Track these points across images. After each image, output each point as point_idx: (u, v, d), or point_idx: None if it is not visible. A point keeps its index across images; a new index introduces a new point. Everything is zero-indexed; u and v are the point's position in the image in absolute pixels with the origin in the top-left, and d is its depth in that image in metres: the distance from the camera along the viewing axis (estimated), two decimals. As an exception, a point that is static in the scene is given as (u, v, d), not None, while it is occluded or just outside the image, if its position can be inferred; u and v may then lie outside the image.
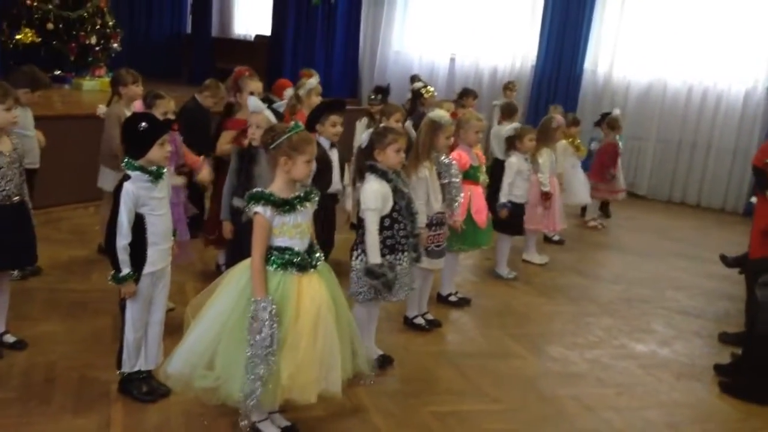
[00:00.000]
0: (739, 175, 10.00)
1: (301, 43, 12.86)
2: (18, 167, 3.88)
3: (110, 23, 10.46)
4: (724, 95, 10.09)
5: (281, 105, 5.03)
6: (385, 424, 3.66)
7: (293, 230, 3.18)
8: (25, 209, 3.95)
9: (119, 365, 3.63)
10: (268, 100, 4.91)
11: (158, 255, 3.51)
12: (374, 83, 10.58)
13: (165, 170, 3.54)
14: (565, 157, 7.42)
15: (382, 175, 3.90)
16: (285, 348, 3.07)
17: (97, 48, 10.23)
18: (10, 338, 4.08)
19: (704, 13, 10.03)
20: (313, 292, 3.18)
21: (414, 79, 8.29)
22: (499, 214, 5.87)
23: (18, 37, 9.58)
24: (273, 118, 4.26)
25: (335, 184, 4.91)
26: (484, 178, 5.53)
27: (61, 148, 6.17)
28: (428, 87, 7.79)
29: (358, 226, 4.09)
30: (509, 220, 5.98)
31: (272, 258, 3.15)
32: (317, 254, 3.29)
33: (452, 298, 5.46)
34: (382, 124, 5.02)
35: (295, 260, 3.17)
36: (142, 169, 3.41)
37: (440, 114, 4.66)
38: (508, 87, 9.79)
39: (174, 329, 3.63)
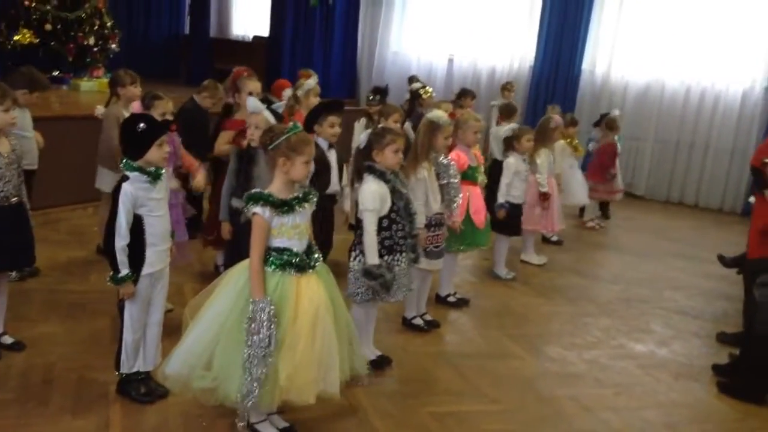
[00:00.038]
0: (737, 175, 10.01)
1: (300, 44, 12.87)
2: (16, 168, 3.88)
3: (108, 24, 10.47)
4: (721, 95, 10.09)
5: (280, 106, 5.03)
6: (384, 425, 3.66)
7: (292, 231, 3.18)
8: (23, 210, 3.95)
9: (118, 366, 3.62)
10: (267, 101, 4.90)
11: (157, 256, 3.52)
12: (372, 84, 10.58)
13: (163, 171, 3.54)
14: (563, 158, 7.43)
15: (381, 175, 3.90)
16: (283, 349, 3.07)
17: (95, 49, 10.23)
18: (8, 339, 4.07)
19: (702, 13, 10.04)
20: (311, 293, 3.18)
21: (412, 79, 8.30)
22: (497, 215, 5.87)
23: (16, 37, 9.59)
24: (272, 119, 4.26)
25: (333, 185, 4.91)
26: (482, 178, 5.54)
27: (59, 149, 6.17)
28: (426, 88, 7.78)
29: (357, 226, 4.09)
30: (507, 221, 5.98)
31: (271, 259, 3.16)
32: (316, 255, 3.30)
33: (451, 299, 5.46)
34: (380, 125, 5.02)
35: (293, 261, 3.17)
36: (140, 170, 3.42)
37: (438, 114, 4.66)
38: (506, 87, 9.79)
39: (172, 330, 3.63)
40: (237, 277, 3.22)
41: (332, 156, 4.89)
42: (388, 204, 3.91)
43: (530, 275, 6.41)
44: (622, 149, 8.63)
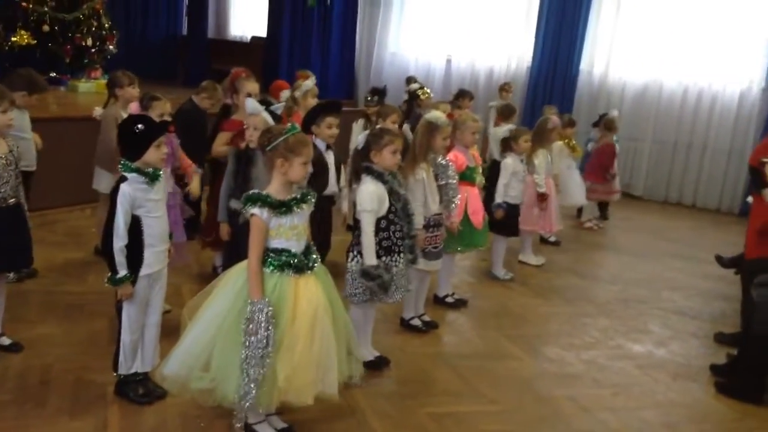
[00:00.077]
0: (735, 176, 10.02)
1: (297, 45, 12.87)
2: (14, 169, 3.88)
3: (106, 25, 10.46)
4: (719, 96, 10.10)
5: (279, 107, 5.03)
6: (382, 426, 3.66)
7: (290, 232, 3.18)
8: (20, 211, 3.95)
9: (115, 367, 3.62)
10: (265, 102, 4.91)
11: (155, 257, 3.51)
12: (370, 85, 10.60)
13: (161, 172, 3.54)
14: (560, 158, 7.44)
15: (378, 176, 3.90)
16: (281, 350, 3.07)
17: (93, 50, 10.22)
18: (5, 340, 4.07)
19: (699, 14, 10.05)
20: (309, 294, 3.18)
21: (410, 80, 8.31)
22: (494, 215, 5.88)
23: (13, 39, 9.57)
24: (270, 120, 4.26)
25: (331, 186, 4.91)
26: (480, 179, 5.54)
27: (57, 151, 6.16)
28: (425, 89, 7.80)
29: (355, 227, 4.09)
30: (504, 221, 5.98)
31: (269, 260, 3.15)
32: (314, 256, 3.29)
33: (449, 300, 5.46)
34: (378, 126, 5.02)
35: (291, 262, 3.17)
36: (138, 171, 3.41)
37: (437, 115, 4.66)
38: (504, 88, 9.82)
39: (170, 331, 3.62)
40: (235, 278, 3.21)
41: (330, 157, 4.89)
42: (386, 205, 3.91)
43: (528, 276, 6.41)
44: (620, 150, 8.64)
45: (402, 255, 4.00)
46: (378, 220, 3.89)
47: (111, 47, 10.52)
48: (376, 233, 3.89)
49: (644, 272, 6.87)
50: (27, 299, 4.78)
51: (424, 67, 12.20)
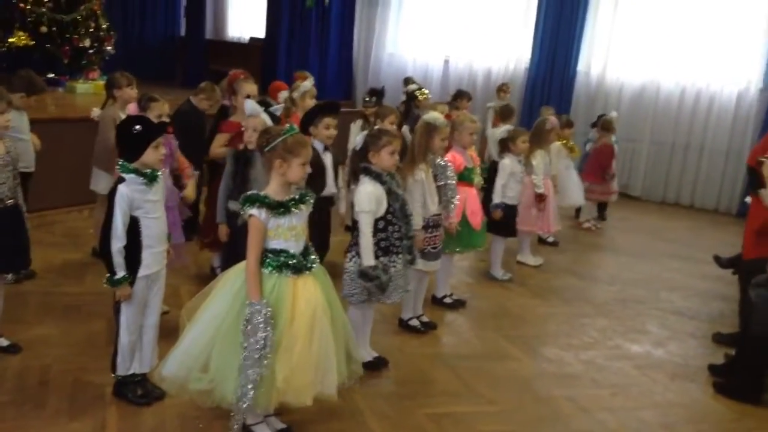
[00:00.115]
0: (732, 176, 10.03)
1: (295, 46, 12.86)
2: (11, 170, 3.87)
3: (104, 26, 10.45)
4: (716, 97, 10.11)
5: (278, 108, 5.03)
6: (380, 427, 3.67)
7: (288, 233, 3.18)
8: (18, 212, 3.94)
9: (114, 368, 3.62)
10: (265, 104, 4.91)
11: (153, 258, 3.51)
12: (368, 85, 10.59)
13: (160, 173, 3.54)
14: (558, 159, 7.44)
15: (377, 177, 3.91)
16: (280, 351, 3.07)
17: (91, 51, 10.22)
18: (3, 342, 4.07)
19: (697, 14, 10.05)
20: (308, 295, 3.18)
21: (408, 81, 8.31)
22: (492, 215, 5.88)
23: (11, 40, 9.57)
24: (270, 122, 4.26)
25: (329, 187, 4.91)
26: (478, 179, 5.54)
27: (55, 152, 6.15)
28: (423, 89, 7.80)
29: (353, 228, 4.09)
30: (502, 222, 5.99)
31: (267, 260, 3.15)
32: (312, 256, 3.30)
33: (447, 300, 5.46)
34: (376, 127, 5.03)
35: (290, 263, 3.17)
36: (136, 172, 3.41)
37: (435, 116, 4.67)
38: (502, 89, 9.84)
39: (168, 332, 3.63)
40: (234, 279, 3.21)
41: (327, 158, 4.89)
42: (384, 205, 3.91)
43: (526, 276, 6.41)
44: (618, 150, 8.63)
45: (400, 256, 4.00)
46: (376, 221, 3.90)
47: (109, 48, 10.52)
48: (375, 234, 3.89)
49: (642, 272, 6.88)
50: (25, 300, 4.78)
51: (422, 68, 12.20)
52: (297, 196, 3.23)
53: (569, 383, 4.38)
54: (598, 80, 10.87)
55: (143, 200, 3.43)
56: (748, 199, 5.20)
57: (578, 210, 8.48)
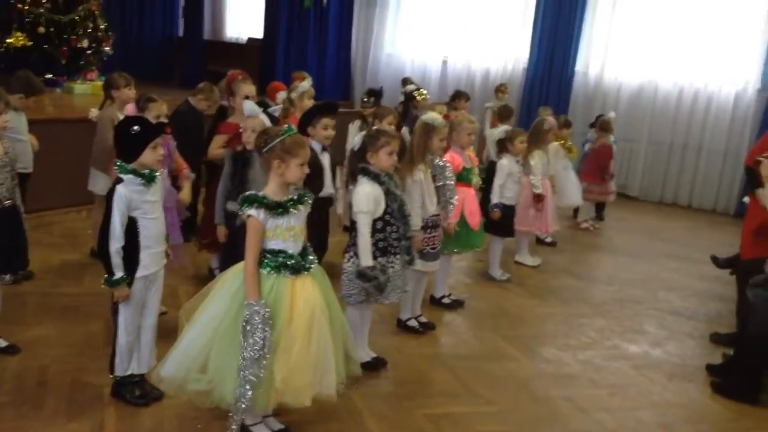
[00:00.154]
0: (730, 176, 10.04)
1: (294, 46, 12.85)
2: (9, 171, 3.87)
3: (102, 26, 10.44)
4: (714, 97, 10.12)
5: (276, 109, 5.03)
6: (379, 427, 3.67)
7: (286, 233, 3.18)
8: (16, 213, 3.95)
9: (112, 369, 3.62)
10: (263, 104, 4.92)
11: (151, 258, 3.51)
12: (367, 86, 10.59)
13: (158, 174, 3.54)
14: (556, 159, 7.44)
15: (375, 177, 3.91)
16: (278, 351, 3.07)
17: (89, 51, 10.21)
18: (2, 342, 4.07)
19: (695, 14, 10.06)
20: (306, 295, 3.18)
21: (406, 81, 8.31)
22: (490, 216, 5.89)
23: (9, 40, 9.55)
24: (268, 122, 4.26)
25: (327, 188, 4.91)
26: (476, 180, 5.55)
27: (53, 152, 6.16)
28: (421, 90, 7.80)
29: (351, 228, 4.10)
30: (500, 222, 5.99)
31: (265, 261, 3.16)
32: (311, 257, 3.30)
33: (445, 300, 5.47)
34: (374, 127, 5.03)
35: (288, 263, 3.17)
36: (134, 172, 3.41)
37: (433, 116, 4.68)
38: (500, 89, 9.84)
39: (166, 333, 3.63)
40: (232, 280, 3.22)
41: (325, 159, 4.89)
42: (383, 206, 3.91)
43: (525, 276, 6.42)
44: (616, 151, 8.64)
45: (398, 256, 4.00)
46: (374, 222, 3.90)
47: (107, 49, 10.50)
48: (373, 234, 3.89)
49: (640, 273, 6.89)
50: (23, 301, 4.78)
51: (420, 69, 12.19)
52: (295, 197, 3.23)
53: (567, 383, 4.39)
54: (596, 80, 10.88)
55: (141, 201, 3.43)
56: (746, 199, 5.20)
57: (576, 210, 8.49)
